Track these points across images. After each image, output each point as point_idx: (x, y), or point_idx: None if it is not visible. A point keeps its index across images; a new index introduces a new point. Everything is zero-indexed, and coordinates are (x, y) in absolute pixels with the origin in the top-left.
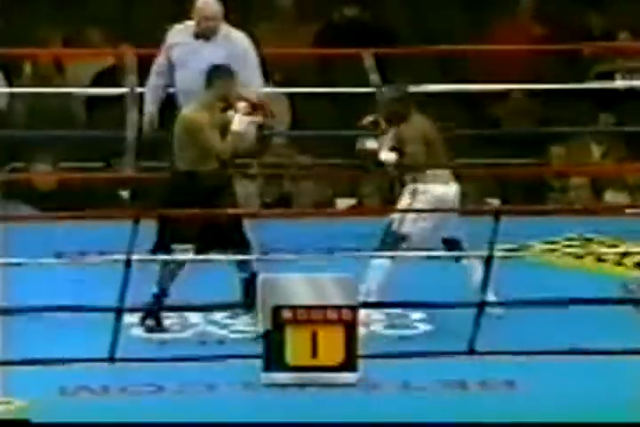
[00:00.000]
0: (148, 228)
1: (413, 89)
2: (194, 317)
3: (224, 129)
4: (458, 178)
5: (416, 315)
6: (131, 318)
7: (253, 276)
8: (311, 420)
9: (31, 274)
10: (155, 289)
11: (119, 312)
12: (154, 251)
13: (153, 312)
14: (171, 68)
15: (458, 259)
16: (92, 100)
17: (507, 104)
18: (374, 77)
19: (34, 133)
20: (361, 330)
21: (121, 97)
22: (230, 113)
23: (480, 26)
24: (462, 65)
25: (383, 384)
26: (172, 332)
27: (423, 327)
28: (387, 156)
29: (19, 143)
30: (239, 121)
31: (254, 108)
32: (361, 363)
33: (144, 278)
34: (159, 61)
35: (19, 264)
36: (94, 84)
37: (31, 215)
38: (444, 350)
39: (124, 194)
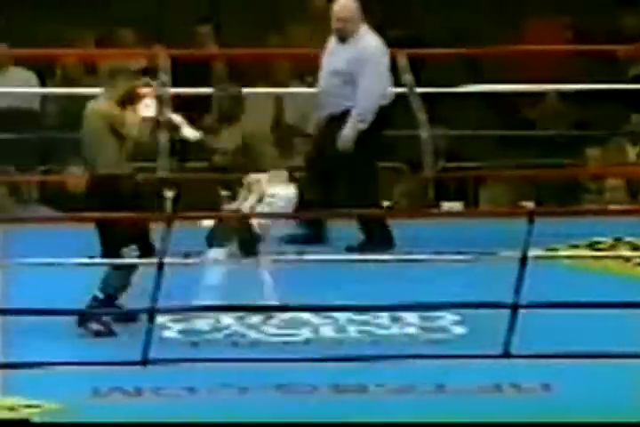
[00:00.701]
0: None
1: (446, 90)
2: (226, 319)
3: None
4: (296, 180)
5: (450, 317)
6: (163, 320)
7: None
8: (344, 420)
9: (60, 275)
10: (100, 294)
11: (152, 314)
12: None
13: (94, 315)
14: None
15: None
16: None
17: (541, 106)
18: (408, 77)
19: (66, 135)
20: (395, 331)
21: None
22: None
23: (512, 26)
24: (495, 67)
25: (418, 387)
26: (204, 333)
27: (458, 330)
28: (189, 132)
29: (51, 145)
30: (146, 104)
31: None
32: (394, 365)
33: (175, 280)
34: None
35: (50, 265)
36: None
37: (57, 217)
38: (479, 353)
39: (169, 195)
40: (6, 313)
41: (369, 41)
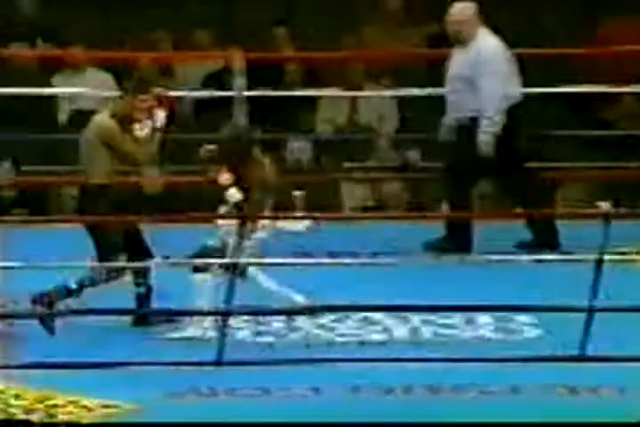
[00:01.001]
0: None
1: (527, 90)
2: (300, 320)
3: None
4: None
5: (525, 319)
6: (236, 322)
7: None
8: (416, 421)
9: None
10: (73, 284)
11: (226, 315)
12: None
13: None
14: None
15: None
16: (200, 103)
17: (619, 107)
18: None
19: None
20: (468, 333)
21: (229, 100)
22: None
23: (590, 26)
24: (572, 67)
25: (492, 388)
26: (278, 335)
27: (533, 332)
28: (231, 195)
29: None
30: (140, 127)
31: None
32: (469, 367)
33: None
34: None
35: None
36: (203, 86)
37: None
38: (554, 355)
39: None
40: (80, 314)
41: (485, 43)
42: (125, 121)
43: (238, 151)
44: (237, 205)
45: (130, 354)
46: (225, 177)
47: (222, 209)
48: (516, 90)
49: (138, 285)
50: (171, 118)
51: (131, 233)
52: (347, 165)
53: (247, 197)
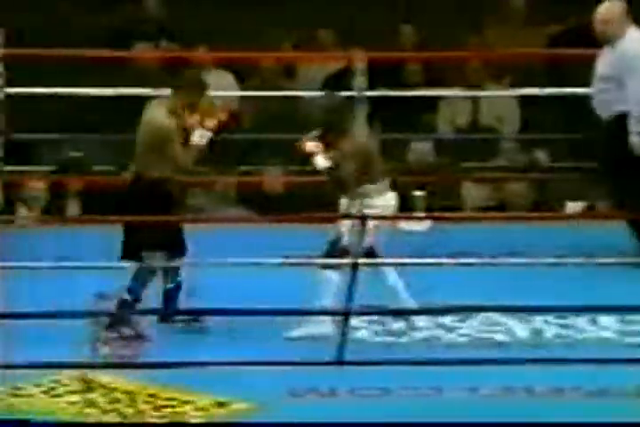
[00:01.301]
0: None
1: None
2: (421, 320)
3: (184, 138)
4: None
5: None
6: (356, 322)
7: (178, 287)
8: (540, 421)
9: (254, 276)
10: (127, 295)
11: (347, 315)
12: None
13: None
14: None
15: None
16: None
17: None
18: None
19: (263, 136)
20: (592, 334)
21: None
22: (193, 121)
23: None
24: None
25: (614, 391)
26: (398, 335)
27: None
28: (321, 161)
29: (248, 146)
30: (201, 135)
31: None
32: (590, 368)
33: (367, 281)
34: None
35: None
36: (325, 87)
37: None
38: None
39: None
40: (202, 313)
41: (632, 41)
42: (182, 123)
43: (333, 121)
44: (328, 173)
45: (250, 353)
46: (312, 144)
47: (343, 202)
48: None
49: (168, 282)
50: (224, 126)
51: (173, 231)
52: (468, 164)
53: (337, 166)
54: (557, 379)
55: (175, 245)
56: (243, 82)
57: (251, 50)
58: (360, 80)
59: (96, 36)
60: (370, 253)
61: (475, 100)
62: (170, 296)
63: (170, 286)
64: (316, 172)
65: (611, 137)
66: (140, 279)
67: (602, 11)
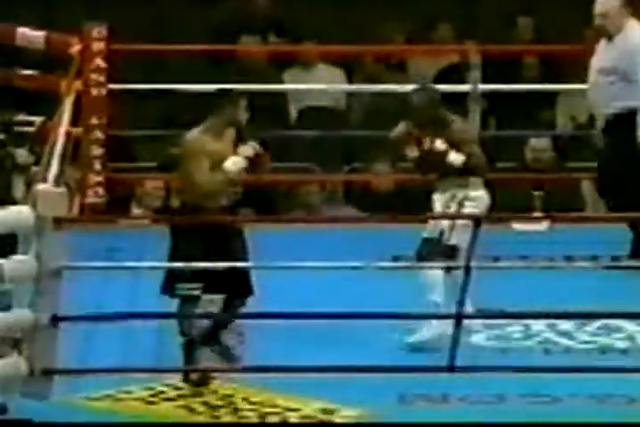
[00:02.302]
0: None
1: None
2: (537, 325)
3: (218, 161)
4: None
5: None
6: (472, 325)
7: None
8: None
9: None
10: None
11: (459, 319)
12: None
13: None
14: None
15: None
16: None
17: None
18: None
19: (372, 133)
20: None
21: (465, 95)
22: (243, 148)
23: None
24: None
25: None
26: (514, 340)
27: None
28: (455, 156)
29: (356, 144)
30: (236, 162)
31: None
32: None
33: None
34: None
35: (356, 268)
36: (437, 81)
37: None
38: None
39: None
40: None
41: (634, 34)
42: (225, 135)
43: (433, 116)
44: (463, 169)
45: (358, 358)
46: (439, 142)
47: (436, 197)
48: None
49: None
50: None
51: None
52: (588, 164)
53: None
54: None
55: (235, 287)
56: (350, 77)
57: (361, 44)
58: (475, 74)
59: (202, 31)
60: (453, 250)
61: None
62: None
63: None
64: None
65: (618, 134)
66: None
67: (599, 4)
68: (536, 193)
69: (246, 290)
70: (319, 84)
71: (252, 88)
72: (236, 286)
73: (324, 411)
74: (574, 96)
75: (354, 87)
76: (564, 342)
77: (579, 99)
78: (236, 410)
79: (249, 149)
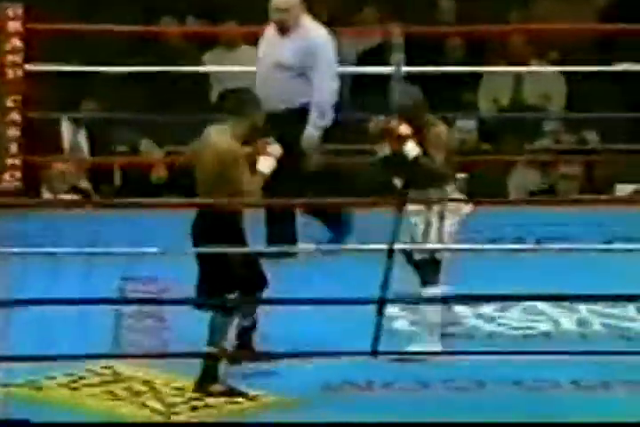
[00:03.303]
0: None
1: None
2: (461, 310)
3: (252, 165)
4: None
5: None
6: (394, 310)
7: (254, 325)
8: (585, 418)
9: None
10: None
11: (381, 304)
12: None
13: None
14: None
15: None
16: (356, 80)
17: None
18: None
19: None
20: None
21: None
22: (270, 148)
23: None
24: None
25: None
26: (437, 326)
27: None
28: (412, 147)
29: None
30: (267, 164)
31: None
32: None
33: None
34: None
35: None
36: (360, 63)
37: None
38: None
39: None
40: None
41: (317, 33)
42: (250, 138)
43: (416, 117)
44: (416, 161)
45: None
46: (404, 127)
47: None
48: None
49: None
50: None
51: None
52: (512, 146)
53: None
54: (606, 373)
55: (251, 281)
56: None
57: None
58: (398, 56)
59: (130, 13)
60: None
61: (518, 77)
62: (244, 334)
63: (245, 323)
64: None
65: (288, 129)
66: (218, 331)
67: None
68: (459, 176)
69: (262, 282)
70: (242, 66)
71: (173, 69)
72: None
73: (249, 397)
74: (497, 79)
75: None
76: (487, 326)
77: (502, 81)
78: (158, 395)
79: (277, 148)
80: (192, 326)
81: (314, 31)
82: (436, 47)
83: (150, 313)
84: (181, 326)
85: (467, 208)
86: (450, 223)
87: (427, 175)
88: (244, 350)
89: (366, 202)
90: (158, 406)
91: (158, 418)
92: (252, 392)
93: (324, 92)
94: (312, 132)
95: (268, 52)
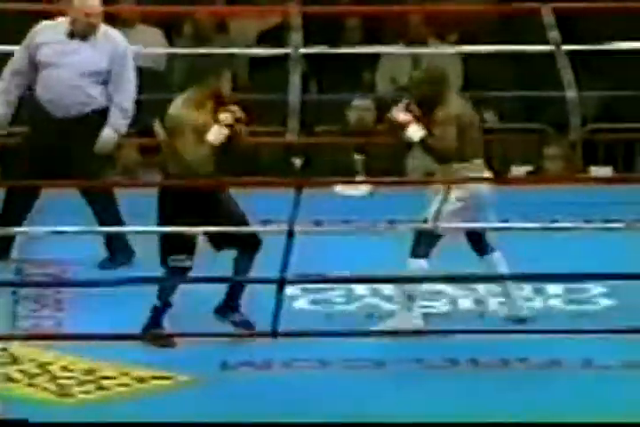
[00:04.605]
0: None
1: (599, 47)
2: (360, 290)
3: (203, 134)
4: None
5: (597, 289)
6: (294, 291)
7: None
8: (484, 397)
9: None
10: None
11: (281, 284)
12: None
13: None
14: (33, 68)
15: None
16: (255, 61)
17: None
18: (554, 35)
19: None
20: (538, 303)
21: (285, 58)
22: (222, 116)
23: None
24: None
25: (563, 362)
26: (337, 305)
27: (605, 302)
28: (414, 129)
29: None
30: (217, 132)
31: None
32: (539, 338)
33: (306, 249)
34: (18, 61)
35: None
36: (259, 42)
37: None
38: (629, 327)
39: (297, 162)
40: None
41: (117, 34)
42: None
43: (429, 92)
44: (423, 142)
45: (184, 324)
46: (403, 114)
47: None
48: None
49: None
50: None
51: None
52: None
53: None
54: (503, 350)
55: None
56: (171, 39)
57: (181, 4)
58: (296, 36)
59: None
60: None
61: (416, 57)
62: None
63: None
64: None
65: (79, 135)
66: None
67: (88, 2)
68: (357, 156)
69: (255, 243)
70: (138, 46)
71: None
72: (245, 240)
73: (141, 379)
74: (396, 58)
75: (173, 50)
76: (388, 306)
77: (400, 61)
78: (54, 378)
79: (228, 116)
80: (88, 308)
81: (117, 35)
82: (334, 27)
83: (46, 295)
84: (77, 309)
85: (481, 187)
86: (453, 201)
87: (435, 155)
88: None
89: (266, 182)
90: (53, 387)
91: (52, 399)
92: (147, 372)
93: (129, 96)
94: (110, 135)
95: (66, 58)
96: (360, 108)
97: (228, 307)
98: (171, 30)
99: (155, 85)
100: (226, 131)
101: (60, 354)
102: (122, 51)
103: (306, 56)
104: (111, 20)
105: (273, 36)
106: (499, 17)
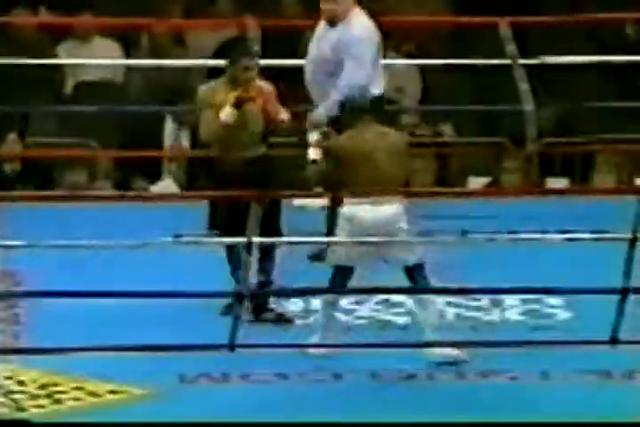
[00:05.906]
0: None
1: (555, 61)
2: (317, 302)
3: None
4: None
5: (555, 301)
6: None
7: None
8: (440, 408)
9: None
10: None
11: (240, 297)
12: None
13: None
14: None
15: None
16: (212, 73)
17: None
18: (510, 48)
19: (152, 108)
20: (495, 316)
21: None
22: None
23: None
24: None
25: (520, 374)
26: (295, 317)
27: (561, 315)
28: (312, 153)
29: (135, 118)
30: (227, 112)
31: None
32: (494, 351)
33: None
34: None
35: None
36: (216, 55)
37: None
38: (585, 339)
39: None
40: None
41: (356, 24)
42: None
43: (340, 117)
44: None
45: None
46: (316, 135)
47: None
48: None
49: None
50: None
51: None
52: None
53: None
54: (460, 363)
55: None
56: (128, 52)
57: (138, 16)
58: (254, 48)
59: None
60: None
61: None
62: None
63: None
64: None
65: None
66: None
67: None
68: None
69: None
70: (96, 58)
71: (24, 62)
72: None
73: (95, 393)
74: None
75: (132, 62)
76: (344, 318)
77: None
78: (9, 393)
79: (231, 97)
80: (45, 320)
81: (354, 22)
82: (291, 39)
83: (1, 307)
84: (33, 321)
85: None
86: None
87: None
88: None
89: (227, 195)
90: (8, 402)
91: (7, 413)
92: (102, 386)
93: (347, 83)
94: (321, 111)
95: (315, 46)
96: (318, 122)
97: (262, 307)
98: (128, 43)
99: (113, 98)
100: (234, 111)
101: (16, 368)
102: (348, 40)
103: (263, 68)
104: (68, 32)
105: (231, 48)
106: (454, 29)
